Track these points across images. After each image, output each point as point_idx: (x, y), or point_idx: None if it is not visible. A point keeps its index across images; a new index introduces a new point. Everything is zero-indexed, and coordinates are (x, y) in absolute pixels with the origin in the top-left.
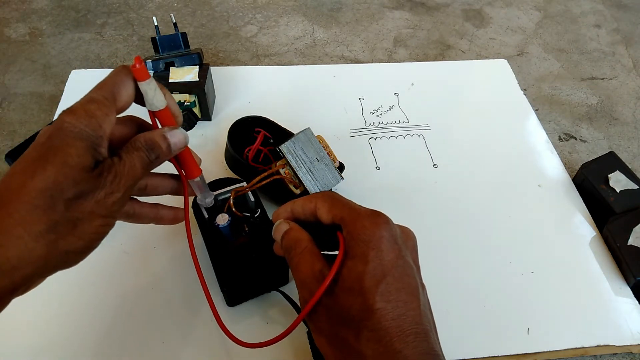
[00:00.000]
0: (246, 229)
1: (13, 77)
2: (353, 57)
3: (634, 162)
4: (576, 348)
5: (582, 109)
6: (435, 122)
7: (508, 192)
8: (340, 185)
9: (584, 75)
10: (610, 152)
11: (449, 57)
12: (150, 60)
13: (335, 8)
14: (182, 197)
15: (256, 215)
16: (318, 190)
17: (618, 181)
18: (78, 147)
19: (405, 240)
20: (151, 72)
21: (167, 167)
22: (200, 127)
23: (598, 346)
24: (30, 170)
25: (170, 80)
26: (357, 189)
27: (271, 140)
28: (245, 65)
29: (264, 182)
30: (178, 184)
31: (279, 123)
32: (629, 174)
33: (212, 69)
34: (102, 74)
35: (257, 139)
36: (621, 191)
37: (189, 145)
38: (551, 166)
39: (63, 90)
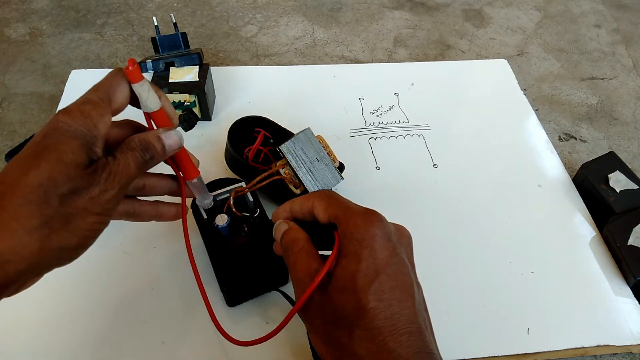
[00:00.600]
0: (245, 229)
1: (13, 77)
2: (353, 57)
3: (634, 162)
4: (576, 348)
5: (582, 109)
6: (435, 122)
7: (508, 192)
8: (340, 185)
9: (584, 75)
10: (610, 152)
11: (449, 57)
12: (150, 60)
13: (335, 8)
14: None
15: (255, 215)
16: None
17: (618, 181)
18: (73, 145)
19: (400, 237)
20: (151, 72)
21: (167, 169)
22: (200, 127)
23: (598, 346)
24: (25, 167)
25: (170, 80)
26: (357, 189)
27: (271, 140)
28: (245, 65)
29: (264, 183)
30: (176, 185)
31: (279, 123)
32: (629, 174)
33: (212, 69)
34: (102, 74)
35: (257, 139)
36: (621, 191)
37: (187, 147)
38: (551, 166)
39: (63, 90)
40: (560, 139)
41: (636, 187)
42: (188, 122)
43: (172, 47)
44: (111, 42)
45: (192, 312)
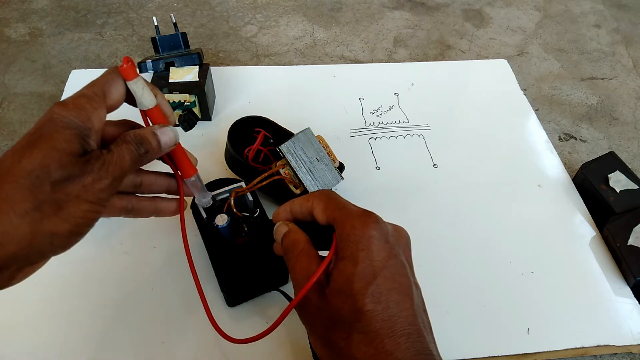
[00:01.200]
0: (245, 229)
1: (13, 77)
2: (353, 57)
3: (634, 162)
4: (576, 348)
5: (582, 109)
6: (435, 122)
7: (508, 192)
8: (340, 185)
9: (584, 75)
10: (610, 152)
11: (449, 57)
12: (150, 60)
13: (335, 8)
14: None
15: (255, 215)
16: None
17: (618, 181)
18: (66, 134)
19: (397, 238)
20: (151, 72)
21: (166, 168)
22: (200, 127)
23: (598, 346)
24: (19, 155)
25: (170, 80)
26: (357, 189)
27: (271, 140)
28: (245, 65)
29: (264, 183)
30: (174, 183)
31: (279, 123)
32: (629, 174)
33: (212, 69)
34: None
35: (257, 139)
36: (621, 191)
37: (187, 147)
38: (551, 166)
39: (63, 90)
40: (560, 139)
41: (636, 187)
42: (188, 122)
43: (172, 47)
44: (111, 42)
45: (192, 312)
